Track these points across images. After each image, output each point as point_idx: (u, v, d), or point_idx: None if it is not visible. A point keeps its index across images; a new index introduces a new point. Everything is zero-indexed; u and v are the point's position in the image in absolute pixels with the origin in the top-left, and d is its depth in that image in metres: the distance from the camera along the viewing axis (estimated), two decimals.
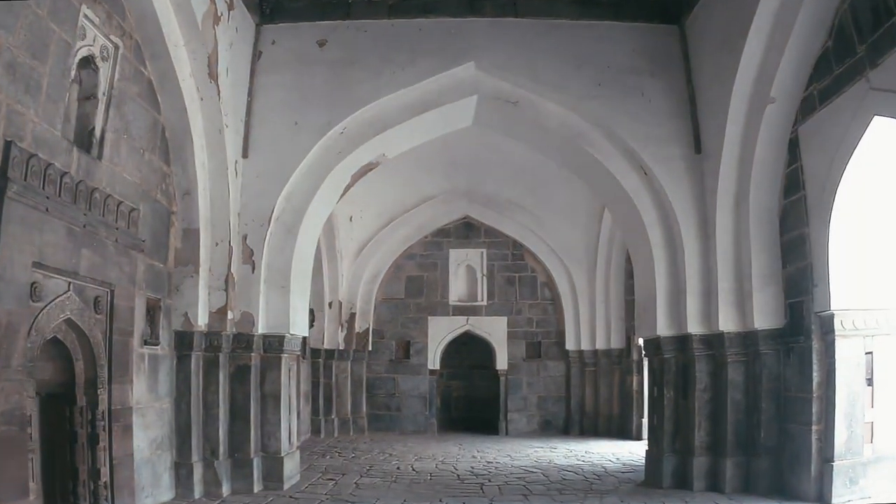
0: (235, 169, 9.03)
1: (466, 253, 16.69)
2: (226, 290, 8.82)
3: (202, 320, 8.62)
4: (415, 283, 16.64)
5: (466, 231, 16.77)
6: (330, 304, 15.57)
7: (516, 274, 16.64)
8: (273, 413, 9.17)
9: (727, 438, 8.71)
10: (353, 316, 16.00)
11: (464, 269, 16.75)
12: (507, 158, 13.91)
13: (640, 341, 14.02)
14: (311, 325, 14.73)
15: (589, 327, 15.88)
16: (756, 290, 8.59)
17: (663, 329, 9.37)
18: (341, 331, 15.82)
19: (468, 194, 15.86)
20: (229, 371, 8.93)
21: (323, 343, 15.43)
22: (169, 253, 8.45)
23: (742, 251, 8.85)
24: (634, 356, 14.74)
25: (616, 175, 9.54)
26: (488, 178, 15.19)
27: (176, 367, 8.50)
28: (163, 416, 8.19)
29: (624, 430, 14.97)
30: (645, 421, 14.16)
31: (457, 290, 16.64)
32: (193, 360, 8.52)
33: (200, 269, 8.62)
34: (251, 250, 9.13)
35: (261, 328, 9.10)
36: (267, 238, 9.19)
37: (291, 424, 9.65)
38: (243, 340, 8.97)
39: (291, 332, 9.32)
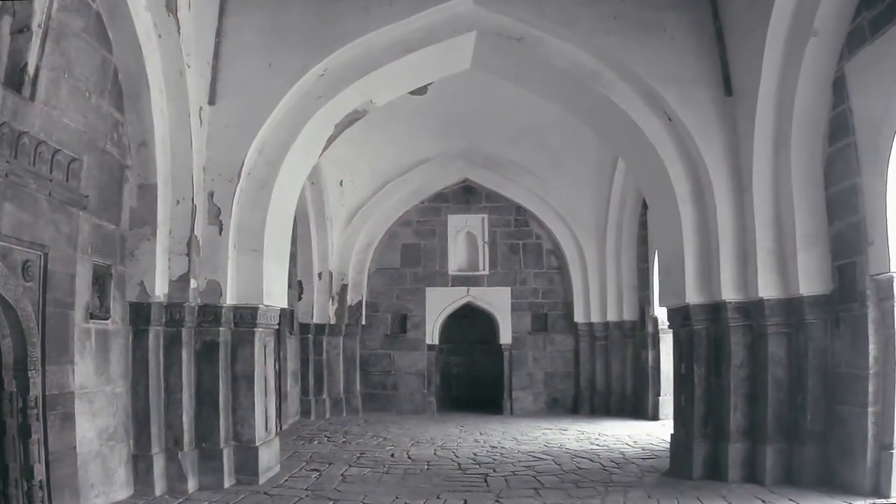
0: (200, 117, 7.84)
1: (466, 219, 15.53)
2: (188, 254, 7.66)
3: (160, 290, 7.46)
4: (411, 252, 15.49)
5: (466, 195, 15.60)
6: (319, 276, 14.47)
7: (520, 241, 15.48)
8: (246, 396, 8.04)
9: (767, 422, 7.61)
10: (344, 288, 14.86)
11: (464, 237, 15.61)
12: (508, 115, 12.90)
13: (655, 312, 13.11)
14: (299, 298, 13.77)
15: (599, 298, 14.80)
16: (800, 249, 7.45)
17: (693, 296, 8.20)
18: (332, 304, 14.70)
19: (467, 155, 14.75)
20: (195, 348, 7.81)
21: (312, 317, 14.37)
22: (122, 212, 7.29)
23: (782, 206, 7.69)
24: (649, 329, 13.65)
25: (635, 121, 8.36)
26: (489, 137, 14.10)
27: (132, 345, 7.38)
28: (116, 402, 7.07)
29: (638, 410, 13.90)
30: (662, 399, 13.13)
31: (456, 259, 15.52)
32: (152, 336, 7.40)
33: (158, 232, 7.46)
34: (218, 209, 7.95)
35: (229, 298, 7.95)
36: (237, 195, 8.02)
37: (269, 409, 8.51)
38: (210, 313, 7.82)
39: (266, 303, 8.17)
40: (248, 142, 7.99)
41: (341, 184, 14.44)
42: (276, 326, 8.75)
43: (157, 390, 7.44)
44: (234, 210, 8.01)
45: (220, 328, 7.84)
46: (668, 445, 9.95)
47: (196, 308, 7.77)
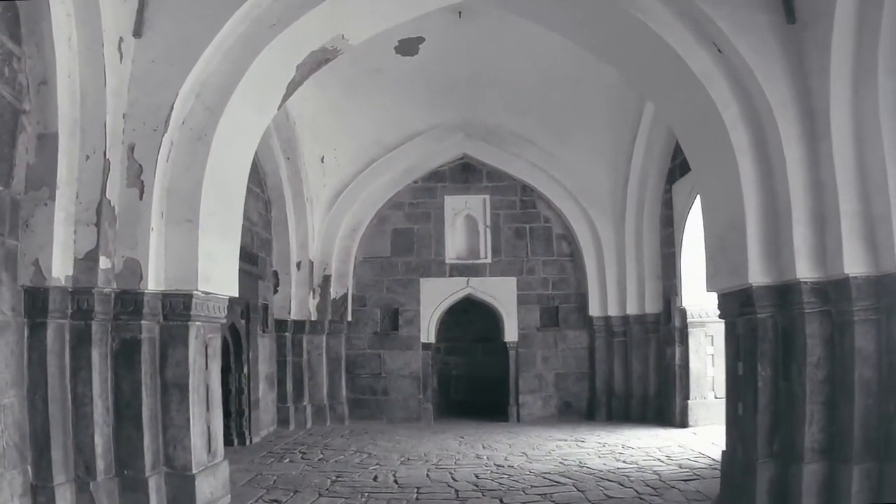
0: (120, 50, 6.05)
1: (465, 200, 13.73)
2: (97, 224, 5.87)
3: (61, 270, 5.70)
4: (403, 238, 13.68)
5: (465, 174, 13.81)
6: (298, 265, 12.70)
7: (527, 224, 13.67)
8: (179, 410, 6.23)
9: (852, 436, 5.77)
10: (327, 279, 13.08)
11: (462, 220, 13.82)
12: (512, 79, 11.40)
13: (683, 304, 11.38)
14: (275, 291, 12.07)
15: (617, 288, 13.04)
16: (895, 210, 5.59)
17: (756, 275, 6.33)
18: (313, 297, 12.92)
19: (465, 128, 13.07)
20: (111, 348, 6.06)
21: (290, 313, 12.58)
22: (14, 170, 5.58)
23: (868, 156, 5.84)
24: (676, 322, 11.84)
25: (679, 53, 6.53)
26: (489, 106, 12.45)
27: (28, 344, 5.67)
28: (5, 417, 5.31)
29: (663, 415, 12.13)
30: (691, 403, 11.37)
31: (454, 246, 13.74)
32: (52, 332, 5.68)
33: (59, 194, 5.71)
34: (140, 167, 6.14)
35: (154, 283, 6.15)
36: (165, 149, 6.24)
37: (213, 425, 6.69)
38: (129, 302, 6.05)
39: (203, 290, 6.37)
40: (179, 80, 6.20)
41: (322, 160, 12.69)
42: (222, 320, 6.91)
43: (62, 402, 5.74)
44: (162, 169, 6.22)
45: (143, 322, 6.06)
46: (708, 460, 8.35)
47: (111, 295, 5.98)
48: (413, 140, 12.98)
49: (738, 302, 6.57)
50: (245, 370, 10.78)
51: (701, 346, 11.50)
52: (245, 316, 10.85)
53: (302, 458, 9.42)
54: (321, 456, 9.50)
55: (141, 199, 6.10)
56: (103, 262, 5.88)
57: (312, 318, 12.89)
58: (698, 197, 10.61)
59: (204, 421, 6.49)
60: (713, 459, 8.45)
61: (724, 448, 7.02)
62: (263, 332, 11.75)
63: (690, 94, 6.70)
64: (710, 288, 7.28)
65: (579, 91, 11.48)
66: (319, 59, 7.24)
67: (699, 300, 11.28)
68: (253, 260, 11.20)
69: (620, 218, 12.86)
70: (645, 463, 8.62)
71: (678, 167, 11.58)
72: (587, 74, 10.95)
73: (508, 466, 8.56)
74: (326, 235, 13.07)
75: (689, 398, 11.44)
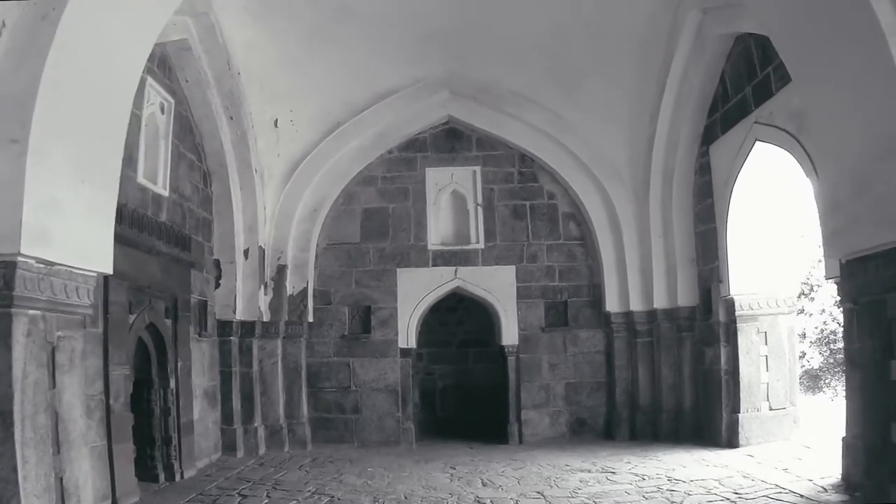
0: None
1: (451, 173, 11.27)
2: None
3: None
4: (376, 220, 11.20)
5: (450, 141, 11.36)
6: (246, 253, 10.23)
7: (527, 202, 11.23)
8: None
9: None
10: (282, 271, 10.63)
11: (448, 198, 11.37)
12: (511, 25, 9.34)
13: (731, 292, 9.26)
14: (216, 286, 9.63)
15: (641, 277, 10.67)
16: None
17: None
18: (265, 293, 10.47)
19: (451, 85, 10.73)
20: None
21: (235, 312, 10.08)
22: None
23: None
24: (720, 316, 9.47)
25: None
26: (481, 58, 10.22)
27: None
28: None
29: (703, 433, 9.75)
30: (742, 418, 9.07)
31: (439, 229, 11.27)
32: None
33: None
34: None
35: None
36: None
37: (72, 474, 4.17)
38: None
39: (37, 257, 3.87)
40: None
41: (276, 124, 10.30)
42: (85, 310, 4.41)
43: None
44: None
45: None
46: (795, 498, 5.94)
47: None
48: (387, 100, 10.65)
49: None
50: (172, 384, 8.29)
51: (753, 345, 9.14)
52: (172, 314, 8.38)
53: (242, 502, 6.93)
54: (266, 501, 7.01)
55: None
56: None
57: (264, 319, 10.42)
58: (750, 155, 8.52)
59: (50, 468, 4.00)
60: (804, 497, 6.10)
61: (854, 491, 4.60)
62: (200, 335, 9.27)
63: None
64: (832, 252, 4.93)
65: (595, 39, 9.34)
66: None
67: (751, 287, 9.04)
68: (183, 243, 8.73)
69: (643, 190, 10.53)
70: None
71: (718, 122, 9.28)
72: (607, 19, 9.04)
73: None
74: (281, 216, 10.63)
75: (738, 411, 9.08)
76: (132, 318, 7.33)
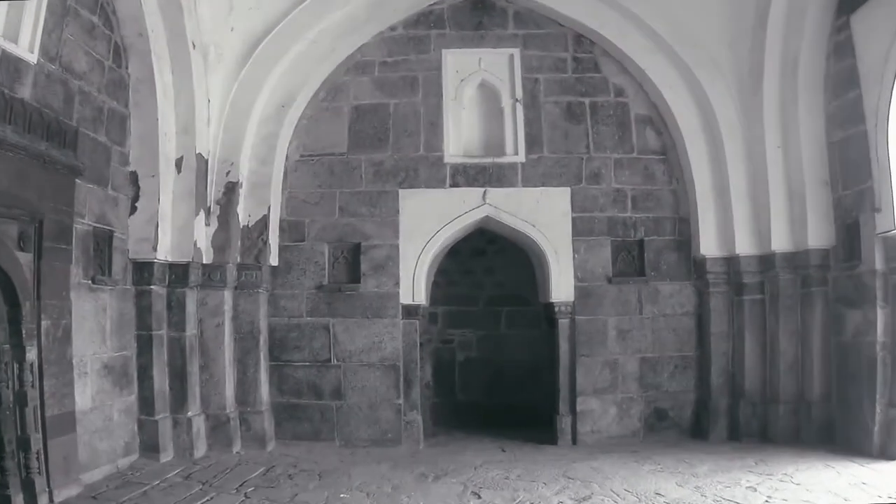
0: None
1: (479, 57, 8.18)
2: None
3: None
4: (371, 122, 8.15)
5: (477, 14, 8.29)
6: (178, 164, 7.24)
7: (585, 98, 8.17)
8: None
9: None
10: (232, 190, 7.62)
11: (474, 92, 8.30)
12: None
13: (892, 229, 6.21)
14: (131, 210, 6.70)
15: (750, 207, 7.78)
16: None
17: None
18: (206, 223, 7.49)
19: None
20: None
21: (157, 249, 7.01)
22: None
23: None
24: (876, 263, 6.57)
25: None
26: None
27: None
28: None
29: (837, 434, 7.09)
30: None
31: (461, 135, 8.24)
32: None
33: None
34: None
35: None
36: None
37: None
38: None
39: None
40: None
41: None
42: None
43: None
44: None
45: None
46: None
47: None
48: None
49: None
50: (31, 355, 5.23)
51: None
52: (34, 246, 5.30)
53: None
54: None
55: None
56: None
57: (205, 261, 7.46)
58: None
59: None
60: None
61: None
62: (95, 280, 6.22)
63: None
64: None
65: None
66: None
67: None
68: (61, 138, 5.64)
69: (753, 82, 7.64)
70: None
71: None
72: None
73: None
74: (233, 114, 7.63)
75: None
76: None
